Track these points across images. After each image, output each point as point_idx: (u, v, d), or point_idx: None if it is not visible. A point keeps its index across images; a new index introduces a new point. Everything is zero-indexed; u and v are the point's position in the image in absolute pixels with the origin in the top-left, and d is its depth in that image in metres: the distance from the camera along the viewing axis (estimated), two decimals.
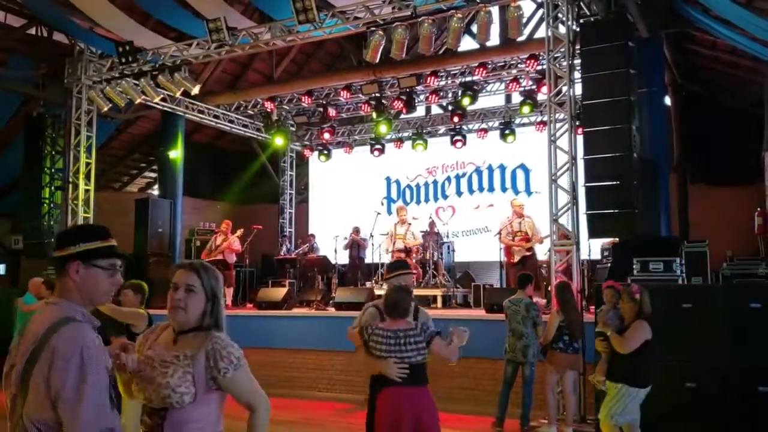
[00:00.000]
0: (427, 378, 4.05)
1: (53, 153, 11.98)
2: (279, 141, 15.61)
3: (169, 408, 2.28)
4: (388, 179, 15.99)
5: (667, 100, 12.08)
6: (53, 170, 11.98)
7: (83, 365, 1.91)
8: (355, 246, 13.17)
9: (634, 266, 7.76)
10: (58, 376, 1.88)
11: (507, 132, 14.08)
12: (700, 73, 13.10)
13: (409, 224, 11.89)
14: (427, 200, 15.46)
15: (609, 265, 9.72)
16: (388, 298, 4.13)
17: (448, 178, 15.38)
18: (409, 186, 15.79)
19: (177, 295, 2.40)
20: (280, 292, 11.57)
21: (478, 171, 15.03)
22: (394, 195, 15.94)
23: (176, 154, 14.41)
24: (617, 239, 9.30)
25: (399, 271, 4.74)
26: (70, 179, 11.93)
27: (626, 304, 5.55)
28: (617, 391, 5.42)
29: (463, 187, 15.18)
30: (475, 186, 15.05)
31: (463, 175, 15.19)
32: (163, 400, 2.28)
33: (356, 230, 13.25)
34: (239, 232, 12.62)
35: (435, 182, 15.51)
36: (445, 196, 15.34)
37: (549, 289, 8.76)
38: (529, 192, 14.20)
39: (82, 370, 1.90)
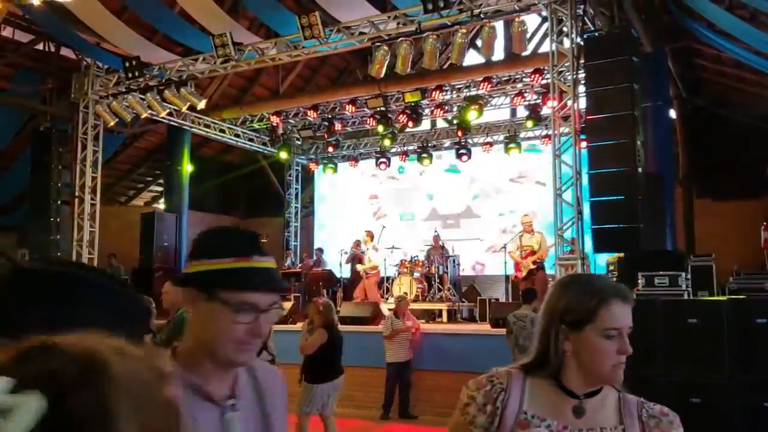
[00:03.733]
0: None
1: (60, 167, 12.02)
2: (284, 155, 15.73)
3: None
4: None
5: (673, 114, 12.09)
6: (60, 184, 12.01)
7: None
8: (356, 260, 13.17)
9: (639, 281, 7.72)
10: None
11: (511, 146, 14.09)
12: (705, 87, 13.11)
13: (368, 248, 12.42)
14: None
15: (614, 279, 9.69)
16: None
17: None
18: None
19: (629, 349, 1.58)
20: (285, 306, 11.55)
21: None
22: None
23: (185, 169, 14.49)
24: (622, 253, 9.27)
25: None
26: (77, 193, 11.98)
27: (315, 315, 6.67)
28: (303, 387, 6.48)
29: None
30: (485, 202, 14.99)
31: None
32: None
33: (356, 243, 13.23)
34: None
35: None
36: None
37: None
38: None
39: None
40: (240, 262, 1.35)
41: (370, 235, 12.49)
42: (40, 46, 12.08)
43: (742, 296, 8.66)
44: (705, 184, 13.06)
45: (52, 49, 12.12)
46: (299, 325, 11.14)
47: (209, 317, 1.35)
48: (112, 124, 12.09)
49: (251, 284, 1.34)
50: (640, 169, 8.09)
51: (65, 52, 12.17)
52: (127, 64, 10.92)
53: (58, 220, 11.94)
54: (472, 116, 12.93)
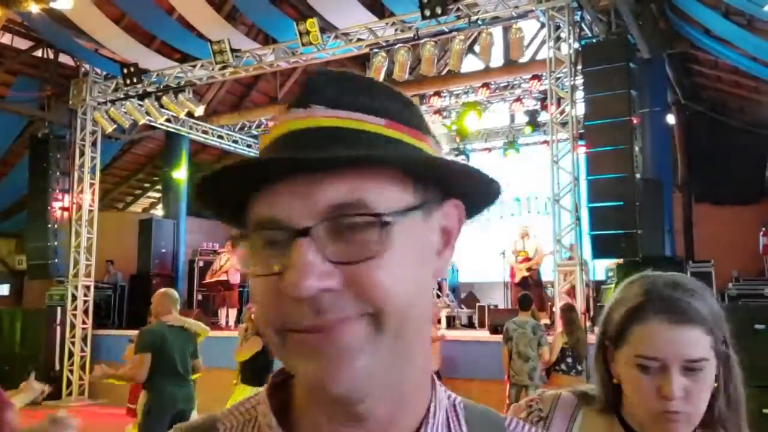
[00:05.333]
0: None
1: (58, 173, 12.02)
2: None
3: None
4: None
5: (671, 119, 12.09)
6: (58, 191, 12.02)
7: None
8: None
9: None
10: None
11: (510, 151, 14.08)
12: (703, 93, 13.12)
13: None
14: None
15: (613, 285, 9.68)
16: None
17: None
18: None
19: (677, 391, 1.11)
20: None
21: (517, 198, 14.83)
22: None
23: (182, 175, 14.45)
24: (621, 259, 9.27)
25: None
26: (75, 200, 11.96)
27: (249, 322, 6.72)
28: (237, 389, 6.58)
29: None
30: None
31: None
32: None
33: None
34: None
35: None
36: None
37: (554, 309, 8.73)
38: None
39: None
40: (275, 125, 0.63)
41: None
42: (39, 53, 12.08)
43: (741, 302, 8.68)
44: (704, 189, 13.06)
45: (51, 56, 12.12)
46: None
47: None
48: (110, 130, 12.09)
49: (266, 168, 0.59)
50: (638, 175, 8.09)
51: (64, 58, 12.18)
52: (125, 71, 10.92)
53: (56, 226, 11.92)
54: (469, 121, 12.90)
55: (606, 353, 1.23)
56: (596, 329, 1.30)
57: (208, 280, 12.45)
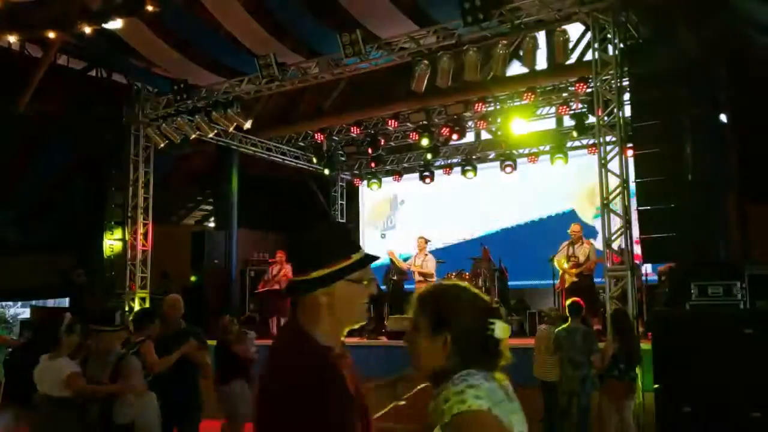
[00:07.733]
0: None
1: (113, 189, 12.41)
2: (329, 171, 15.92)
3: None
4: None
5: (724, 119, 11.73)
6: (114, 206, 12.40)
7: None
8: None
9: (692, 291, 7.51)
10: None
11: (558, 156, 13.86)
12: (758, 90, 12.69)
13: (426, 254, 12.06)
14: None
15: (666, 289, 9.45)
16: None
17: None
18: None
19: None
20: None
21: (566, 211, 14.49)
22: None
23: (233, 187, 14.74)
24: (674, 263, 9.04)
25: None
26: (130, 214, 12.32)
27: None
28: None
29: None
30: None
31: None
32: None
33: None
34: None
35: None
36: None
37: (606, 315, 8.57)
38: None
39: None
40: None
41: (425, 241, 12.30)
42: (93, 73, 12.55)
43: None
44: (760, 190, 12.61)
45: (105, 75, 12.57)
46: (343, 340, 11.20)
47: None
48: (162, 145, 12.41)
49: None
50: (689, 176, 7.89)
51: (117, 77, 12.61)
52: (176, 87, 11.23)
53: (113, 240, 12.29)
54: (515, 126, 12.75)
55: None
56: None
57: (260, 289, 12.63)
